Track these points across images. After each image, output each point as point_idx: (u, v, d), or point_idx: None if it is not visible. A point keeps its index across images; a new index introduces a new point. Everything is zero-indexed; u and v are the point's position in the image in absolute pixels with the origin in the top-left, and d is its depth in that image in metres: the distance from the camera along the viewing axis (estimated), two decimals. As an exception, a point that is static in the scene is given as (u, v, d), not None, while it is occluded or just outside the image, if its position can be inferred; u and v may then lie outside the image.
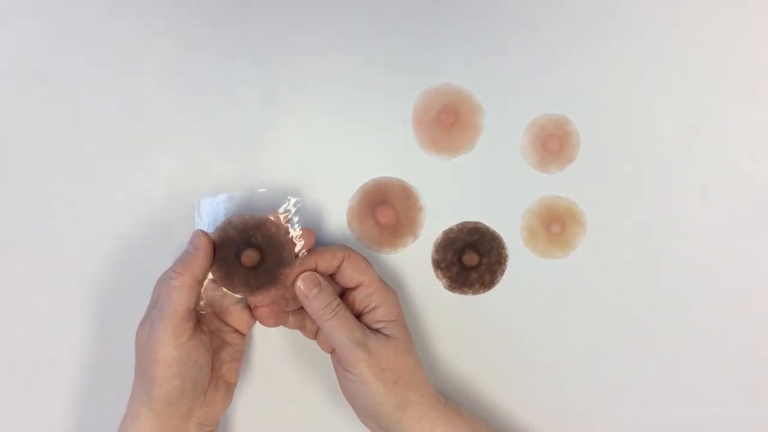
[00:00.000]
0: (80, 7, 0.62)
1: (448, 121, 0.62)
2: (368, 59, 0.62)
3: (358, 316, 0.57)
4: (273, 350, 0.62)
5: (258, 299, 0.56)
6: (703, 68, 0.62)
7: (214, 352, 0.57)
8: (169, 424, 0.54)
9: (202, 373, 0.55)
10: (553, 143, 0.62)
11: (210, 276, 0.55)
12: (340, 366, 0.56)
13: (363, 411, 0.57)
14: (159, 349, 0.52)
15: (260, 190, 0.58)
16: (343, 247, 0.57)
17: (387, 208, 0.62)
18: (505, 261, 0.62)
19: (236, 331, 0.59)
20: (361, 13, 0.63)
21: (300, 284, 0.55)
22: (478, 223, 0.62)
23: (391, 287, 0.58)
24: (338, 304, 0.55)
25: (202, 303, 0.55)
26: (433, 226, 0.62)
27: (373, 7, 0.63)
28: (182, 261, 0.54)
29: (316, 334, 0.59)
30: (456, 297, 0.62)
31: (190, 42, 0.62)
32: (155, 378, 0.53)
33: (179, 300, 0.53)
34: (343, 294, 0.58)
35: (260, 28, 0.62)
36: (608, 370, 0.62)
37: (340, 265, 0.57)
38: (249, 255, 0.54)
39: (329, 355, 0.59)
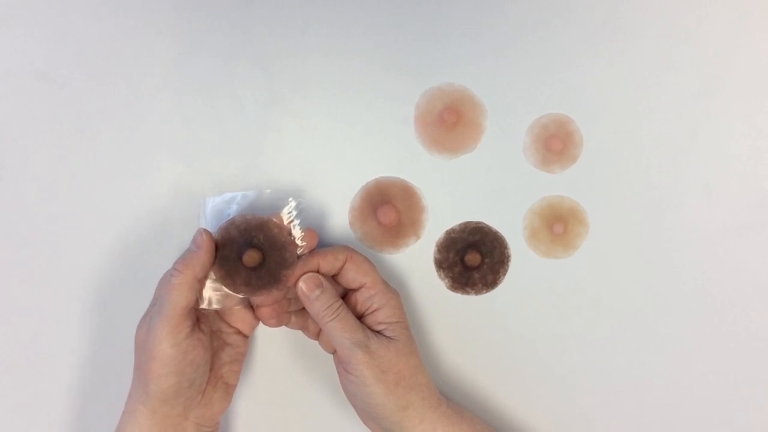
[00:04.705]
0: (81, 7, 0.62)
1: (450, 121, 0.62)
2: (370, 59, 0.62)
3: (361, 317, 0.57)
4: (275, 350, 0.62)
5: (259, 300, 0.56)
6: (704, 68, 0.62)
7: (215, 353, 0.57)
8: (166, 422, 0.54)
9: (199, 373, 0.54)
10: (555, 143, 0.62)
11: (212, 275, 0.55)
12: (342, 367, 0.56)
13: (364, 412, 0.57)
14: (155, 346, 0.52)
15: (266, 190, 0.58)
16: (346, 248, 0.57)
17: (389, 208, 0.62)
18: (508, 261, 0.62)
19: (238, 332, 0.59)
20: (362, 13, 0.63)
21: (302, 285, 0.55)
22: (480, 223, 0.62)
23: (394, 289, 0.58)
24: (340, 306, 0.55)
25: (204, 303, 0.55)
26: (435, 226, 0.62)
27: (374, 7, 0.62)
28: (183, 259, 0.54)
29: (318, 334, 0.59)
30: (458, 297, 0.62)
31: (192, 43, 0.62)
32: (151, 375, 0.53)
33: (178, 298, 0.53)
34: (346, 295, 0.58)
35: (262, 30, 0.62)
36: (610, 370, 0.62)
37: (342, 267, 0.56)
38: (251, 255, 0.54)
39: (331, 355, 0.59)
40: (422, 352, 0.59)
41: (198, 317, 0.55)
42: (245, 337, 0.59)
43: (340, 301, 0.55)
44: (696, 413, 0.62)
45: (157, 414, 0.54)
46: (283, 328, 0.59)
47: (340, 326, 0.54)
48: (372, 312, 0.57)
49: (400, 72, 0.62)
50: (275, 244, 0.55)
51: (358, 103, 0.62)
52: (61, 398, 0.62)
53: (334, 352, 0.58)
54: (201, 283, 0.55)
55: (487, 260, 0.62)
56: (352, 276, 0.57)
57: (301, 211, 0.56)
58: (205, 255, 0.54)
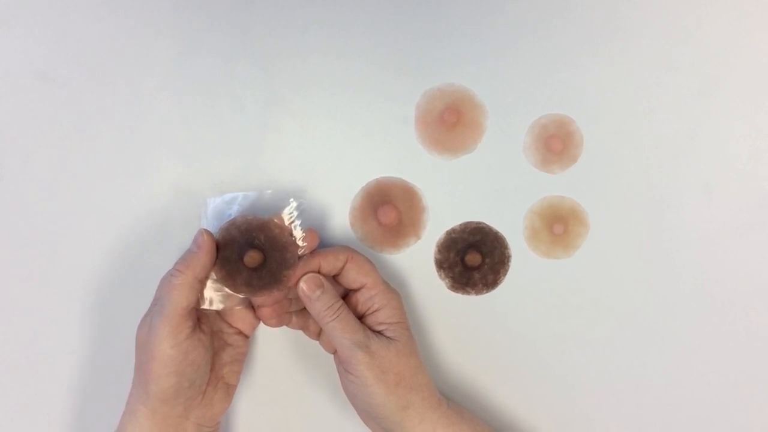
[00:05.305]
0: (81, 7, 0.62)
1: (450, 121, 0.62)
2: (370, 60, 0.62)
3: (361, 317, 0.57)
4: (276, 350, 0.62)
5: (260, 300, 0.56)
6: (704, 68, 0.62)
7: (216, 353, 0.57)
8: (167, 422, 0.54)
9: (199, 373, 0.54)
10: (555, 143, 0.62)
11: (213, 276, 0.55)
12: (342, 367, 0.56)
13: (364, 412, 0.57)
14: (156, 346, 0.52)
15: (267, 191, 0.58)
16: (347, 249, 0.57)
17: (389, 208, 0.62)
18: (508, 261, 0.62)
19: (239, 332, 0.59)
20: (362, 13, 0.62)
21: (303, 286, 0.55)
22: (480, 223, 0.62)
23: (395, 289, 0.58)
24: (340, 306, 0.55)
25: (205, 303, 0.55)
26: (435, 227, 0.62)
27: (374, 7, 0.62)
28: (184, 259, 0.54)
29: (318, 334, 0.59)
30: (458, 297, 0.62)
31: (192, 43, 0.62)
32: (151, 375, 0.53)
33: (179, 298, 0.53)
34: (346, 295, 0.58)
35: (262, 30, 0.62)
36: (610, 370, 0.62)
37: (343, 267, 0.56)
38: (252, 256, 0.54)
39: (332, 355, 0.59)
40: (422, 352, 0.59)
41: (199, 317, 0.55)
42: (246, 337, 0.59)
43: (341, 302, 0.55)
44: (696, 413, 0.62)
45: (157, 414, 0.54)
46: (284, 328, 0.59)
47: (340, 326, 0.54)
48: (372, 312, 0.57)
49: (400, 72, 0.62)
50: (276, 245, 0.55)
51: (358, 103, 0.62)
52: (61, 398, 0.62)
53: (334, 352, 0.58)
54: (202, 284, 0.55)
55: (487, 260, 0.62)
56: (352, 276, 0.57)
57: (302, 212, 0.56)
58: (206, 255, 0.54)
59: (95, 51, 0.62)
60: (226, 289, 0.55)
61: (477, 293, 0.62)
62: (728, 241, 0.62)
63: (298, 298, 0.56)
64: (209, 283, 0.55)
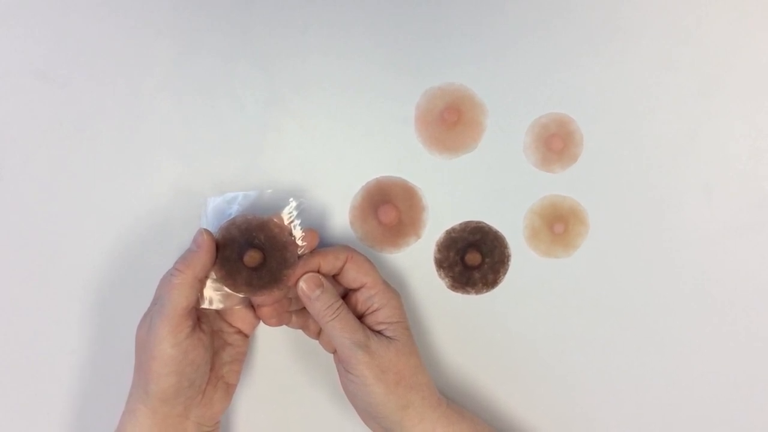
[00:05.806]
0: (81, 7, 0.62)
1: (450, 121, 0.62)
2: (370, 59, 0.62)
3: (361, 317, 0.57)
4: (275, 350, 0.62)
5: (260, 299, 0.56)
6: (704, 68, 0.62)
7: (216, 353, 0.57)
8: (166, 422, 0.54)
9: (199, 373, 0.54)
10: (556, 142, 0.62)
11: (213, 275, 0.55)
12: (342, 367, 0.56)
13: (364, 411, 0.57)
14: (156, 346, 0.52)
15: (267, 191, 0.58)
16: (346, 248, 0.57)
17: (389, 207, 0.62)
18: (508, 260, 0.62)
19: (239, 332, 0.59)
20: (362, 13, 0.62)
21: (303, 285, 0.55)
22: (480, 222, 0.62)
23: (395, 289, 0.58)
24: (340, 306, 0.55)
25: (205, 302, 0.55)
26: (435, 226, 0.62)
27: (374, 7, 0.62)
28: (184, 259, 0.54)
29: (318, 334, 0.59)
30: (458, 296, 0.62)
31: (192, 43, 0.62)
32: (151, 374, 0.53)
33: (179, 297, 0.53)
34: (346, 295, 0.58)
35: (262, 30, 0.62)
36: (610, 370, 0.62)
37: (343, 266, 0.56)
38: (251, 255, 0.54)
39: (331, 355, 0.59)
40: (422, 351, 0.59)
41: (199, 317, 0.55)
42: (246, 336, 0.59)
43: (341, 301, 0.55)
44: (696, 413, 0.62)
45: (157, 414, 0.54)
46: (284, 327, 0.59)
47: (340, 326, 0.54)
48: (372, 312, 0.57)
49: (400, 72, 0.62)
50: (276, 244, 0.55)
51: (358, 103, 0.62)
52: (61, 398, 0.62)
53: (334, 352, 0.58)
54: (202, 283, 0.55)
55: (487, 260, 0.62)
56: (352, 276, 0.57)
57: (302, 212, 0.56)
58: (206, 255, 0.54)
59: (95, 51, 0.62)
60: (226, 289, 0.55)
61: (477, 293, 0.62)
62: (728, 241, 0.62)
63: (297, 298, 0.56)
64: (209, 283, 0.55)
